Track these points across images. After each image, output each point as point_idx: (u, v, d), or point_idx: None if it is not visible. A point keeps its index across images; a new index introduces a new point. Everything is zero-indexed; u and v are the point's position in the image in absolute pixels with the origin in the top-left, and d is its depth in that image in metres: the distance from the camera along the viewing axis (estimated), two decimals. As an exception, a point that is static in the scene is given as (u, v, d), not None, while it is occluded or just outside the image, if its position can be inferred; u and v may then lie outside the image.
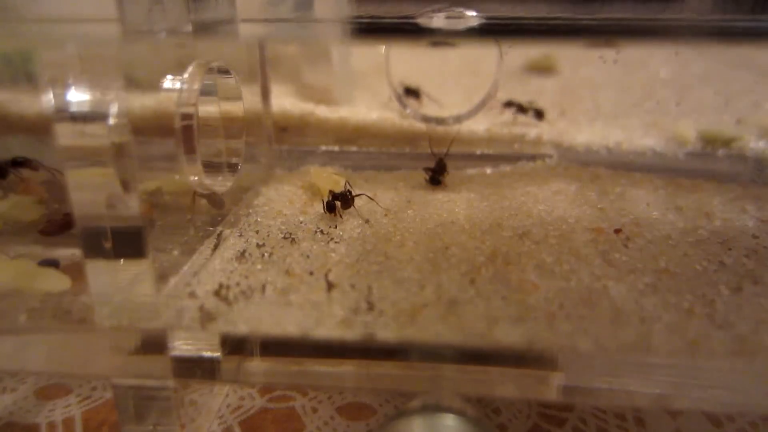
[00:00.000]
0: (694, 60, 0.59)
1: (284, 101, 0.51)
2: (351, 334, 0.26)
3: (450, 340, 0.26)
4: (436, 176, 0.42)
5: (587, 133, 0.49)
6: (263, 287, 0.30)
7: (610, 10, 0.32)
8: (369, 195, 0.39)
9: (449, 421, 0.25)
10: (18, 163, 0.42)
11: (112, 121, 0.26)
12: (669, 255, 0.33)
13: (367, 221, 0.37)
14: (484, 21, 0.31)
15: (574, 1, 0.34)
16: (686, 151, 0.48)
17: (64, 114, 0.26)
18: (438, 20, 0.31)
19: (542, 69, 0.61)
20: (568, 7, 0.33)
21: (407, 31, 0.31)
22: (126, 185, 0.27)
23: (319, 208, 0.40)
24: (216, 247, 0.35)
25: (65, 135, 0.26)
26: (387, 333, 0.26)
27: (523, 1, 0.35)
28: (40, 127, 0.49)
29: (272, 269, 0.32)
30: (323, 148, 0.49)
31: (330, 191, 0.38)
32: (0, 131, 0.49)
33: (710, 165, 0.47)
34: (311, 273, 0.31)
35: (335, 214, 0.38)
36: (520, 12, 0.33)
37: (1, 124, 0.49)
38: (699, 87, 0.56)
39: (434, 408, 0.25)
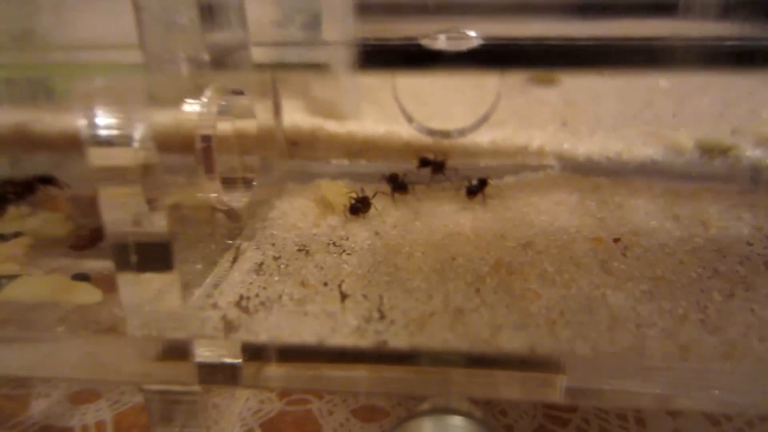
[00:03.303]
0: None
1: (295, 116, 0.53)
2: (364, 342, 0.28)
3: (457, 347, 0.28)
4: (474, 189, 0.44)
5: (588, 144, 0.51)
6: (280, 298, 0.32)
7: (610, 27, 0.33)
8: (383, 191, 0.44)
9: (457, 422, 0.27)
10: (45, 180, 0.44)
11: (137, 144, 0.28)
12: (665, 263, 0.35)
13: (377, 233, 0.39)
14: (483, 42, 0.33)
15: (578, 16, 0.34)
16: (684, 159, 0.50)
17: (95, 139, 0.28)
18: (441, 42, 0.33)
19: (544, 80, 0.62)
20: (572, 22, 0.34)
21: (412, 56, 0.32)
22: (152, 203, 0.29)
23: (331, 221, 0.42)
24: (235, 259, 0.37)
25: (97, 157, 0.28)
26: (398, 341, 0.28)
27: (525, 16, 0.36)
28: (61, 145, 0.51)
29: (288, 281, 0.34)
30: (333, 161, 0.51)
31: (350, 196, 0.42)
32: (24, 150, 0.51)
33: (708, 173, 0.48)
34: (325, 284, 0.33)
35: (359, 216, 0.41)
36: (521, 30, 0.34)
37: (25, 143, 0.51)
38: (698, 95, 0.57)
39: (443, 410, 0.27)
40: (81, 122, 0.28)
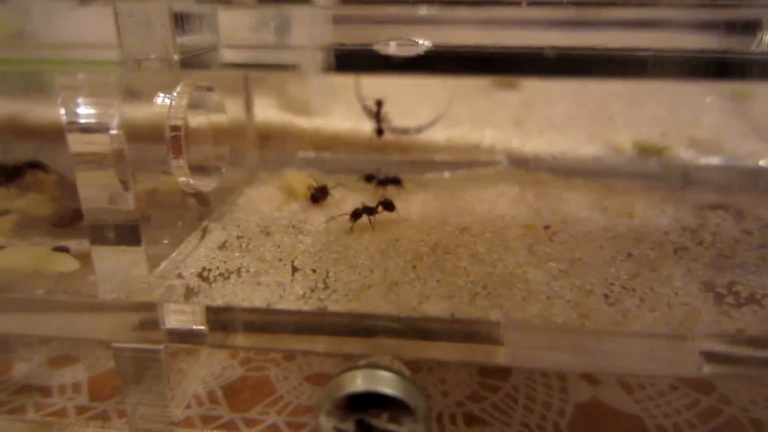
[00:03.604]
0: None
1: (268, 112, 0.57)
2: (306, 306, 0.32)
3: (388, 312, 0.32)
4: (358, 213, 0.41)
5: (536, 142, 0.55)
6: (239, 270, 0.36)
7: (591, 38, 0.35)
8: (342, 183, 0.48)
9: (385, 375, 0.31)
10: (33, 165, 0.48)
11: (113, 132, 0.32)
12: (585, 247, 0.39)
13: (333, 218, 0.43)
14: (430, 48, 0.37)
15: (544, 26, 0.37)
16: (623, 159, 0.54)
17: (74, 126, 0.32)
18: (392, 47, 0.37)
19: (507, 84, 0.66)
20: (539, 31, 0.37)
21: (371, 60, 0.36)
22: (125, 185, 0.33)
23: (293, 206, 0.46)
24: (202, 238, 0.41)
25: (76, 143, 0.32)
26: (336, 306, 0.32)
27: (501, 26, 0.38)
28: (51, 134, 0.55)
29: (248, 256, 0.38)
30: (301, 154, 0.55)
31: (311, 186, 0.46)
32: (17, 138, 0.55)
33: (643, 172, 0.53)
34: (280, 260, 0.37)
35: (318, 204, 0.45)
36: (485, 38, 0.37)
37: (17, 132, 0.55)
38: (647, 100, 0.62)
39: (375, 365, 0.31)
40: (61, 111, 0.32)
